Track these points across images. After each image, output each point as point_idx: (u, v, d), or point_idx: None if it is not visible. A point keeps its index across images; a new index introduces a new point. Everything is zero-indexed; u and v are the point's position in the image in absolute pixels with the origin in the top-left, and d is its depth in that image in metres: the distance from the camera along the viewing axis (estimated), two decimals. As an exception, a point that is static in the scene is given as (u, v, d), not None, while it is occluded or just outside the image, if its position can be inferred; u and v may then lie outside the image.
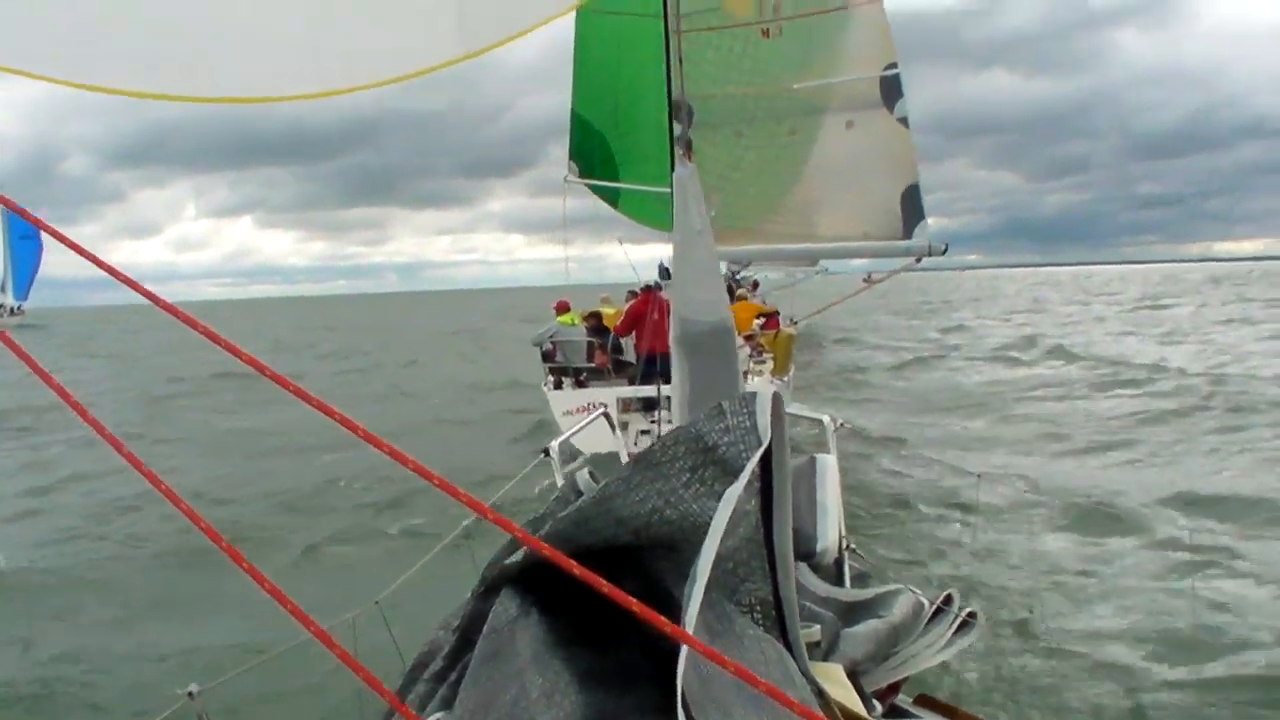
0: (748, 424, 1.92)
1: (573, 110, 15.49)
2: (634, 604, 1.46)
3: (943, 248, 12.31)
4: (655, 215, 17.65)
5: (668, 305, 13.89)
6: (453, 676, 2.03)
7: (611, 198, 16.17)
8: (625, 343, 14.03)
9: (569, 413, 11.13)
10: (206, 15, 2.03)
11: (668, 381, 13.43)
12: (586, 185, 14.69)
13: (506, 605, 1.91)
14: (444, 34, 1.95)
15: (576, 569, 1.49)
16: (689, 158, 4.50)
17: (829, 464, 3.07)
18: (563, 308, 15.53)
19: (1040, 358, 29.79)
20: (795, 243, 12.78)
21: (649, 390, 12.69)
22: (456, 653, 2.04)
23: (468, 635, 1.99)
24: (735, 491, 1.83)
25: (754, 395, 1.97)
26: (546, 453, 5.19)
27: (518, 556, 2.01)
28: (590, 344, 14.18)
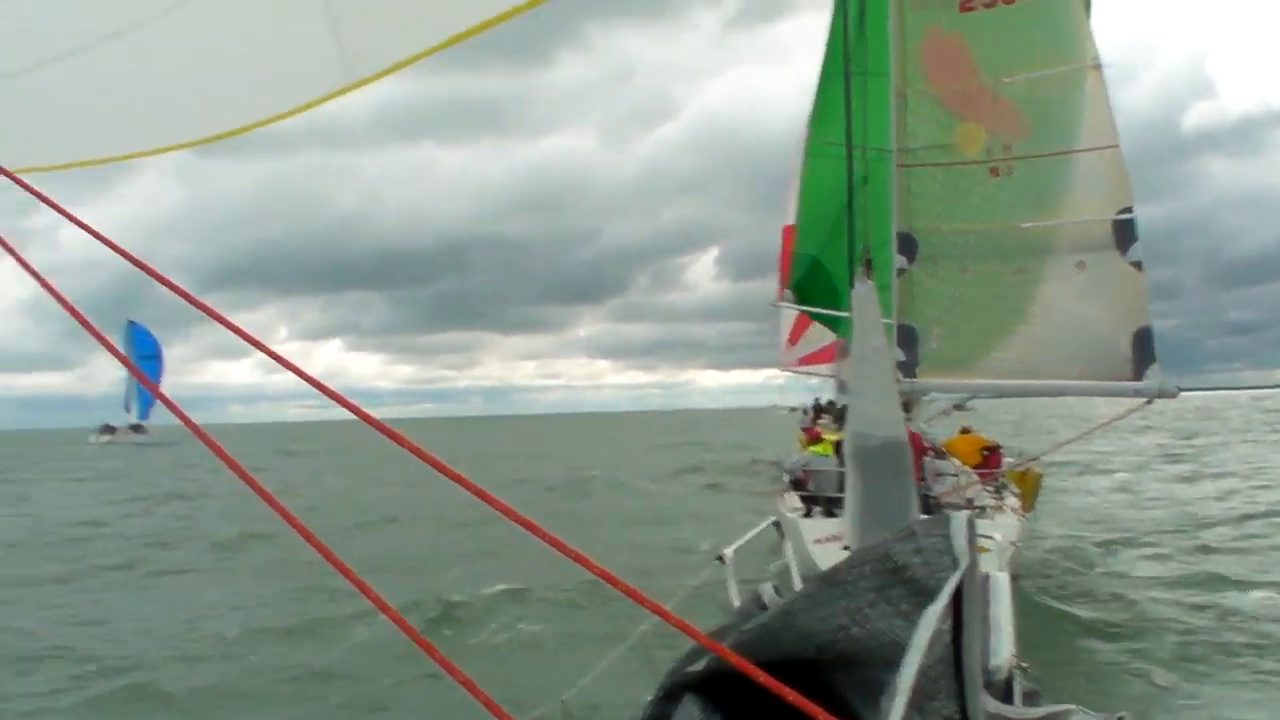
0: (942, 546, 1.95)
1: (796, 251, 16.54)
2: (823, 716, 1.53)
3: (1175, 390, 11.83)
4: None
5: (913, 437, 13.86)
6: None
7: (833, 324, 17.36)
8: None
9: (819, 541, 11.00)
10: (79, 82, 2.08)
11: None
12: (792, 309, 15.30)
13: (690, 711, 1.93)
14: (326, 66, 1.94)
15: (763, 677, 1.59)
16: (868, 275, 4.62)
17: (1002, 581, 3.09)
18: (815, 436, 16.33)
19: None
20: (1015, 379, 12.58)
21: None
22: None
23: None
24: (935, 611, 1.85)
25: (947, 518, 2.00)
26: (721, 559, 5.28)
27: (699, 665, 2.06)
28: (841, 474, 14.12)
